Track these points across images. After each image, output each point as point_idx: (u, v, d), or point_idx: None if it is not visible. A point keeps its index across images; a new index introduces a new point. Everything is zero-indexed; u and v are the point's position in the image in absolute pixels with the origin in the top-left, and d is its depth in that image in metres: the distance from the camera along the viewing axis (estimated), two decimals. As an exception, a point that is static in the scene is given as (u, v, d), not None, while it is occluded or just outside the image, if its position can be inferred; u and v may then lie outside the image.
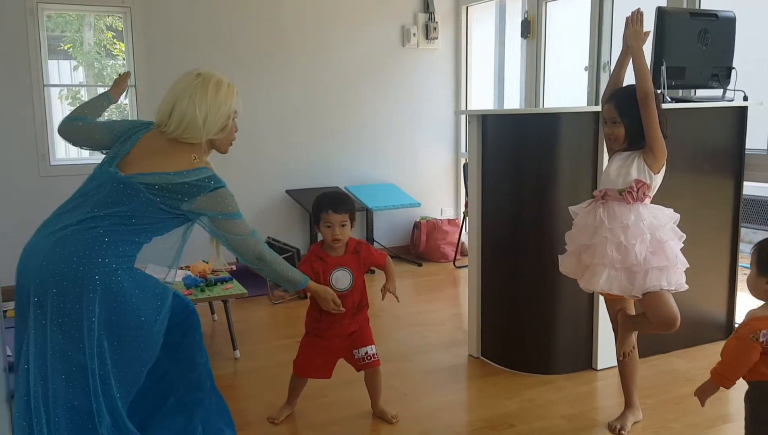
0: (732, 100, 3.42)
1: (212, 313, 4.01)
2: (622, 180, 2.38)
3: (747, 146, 3.46)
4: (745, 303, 4.35)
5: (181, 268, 3.72)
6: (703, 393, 1.94)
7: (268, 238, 4.88)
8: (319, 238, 2.68)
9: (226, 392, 3.02)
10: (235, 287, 3.46)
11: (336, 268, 2.59)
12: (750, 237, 6.00)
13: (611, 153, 2.53)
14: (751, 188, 3.60)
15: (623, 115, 2.38)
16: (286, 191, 5.32)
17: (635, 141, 2.40)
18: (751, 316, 1.87)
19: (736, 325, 3.53)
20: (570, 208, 2.57)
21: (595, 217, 2.40)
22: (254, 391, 3.04)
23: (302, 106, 5.34)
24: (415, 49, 5.68)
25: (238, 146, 5.10)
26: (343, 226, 2.58)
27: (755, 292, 1.90)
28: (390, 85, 5.63)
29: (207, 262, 3.73)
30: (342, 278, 2.59)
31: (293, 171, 5.36)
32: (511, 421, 2.65)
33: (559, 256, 2.66)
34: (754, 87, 3.47)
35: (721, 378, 1.89)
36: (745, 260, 6.07)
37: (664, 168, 2.40)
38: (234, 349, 3.41)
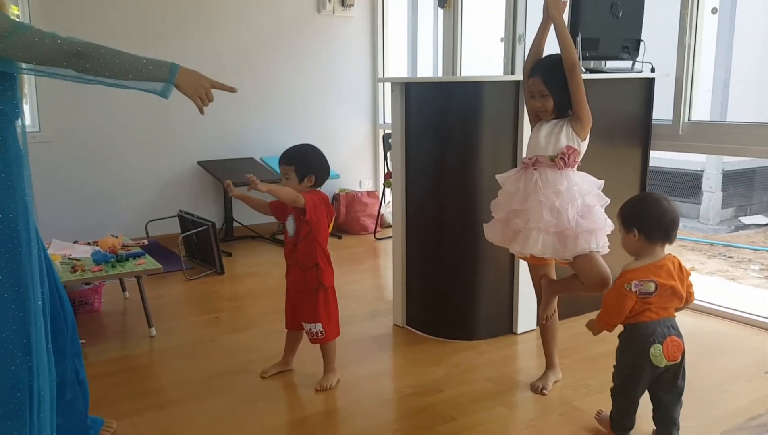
0: (641, 72, 3.55)
1: (123, 290, 3.81)
2: (552, 147, 2.42)
3: (654, 116, 3.62)
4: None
5: (89, 244, 3.50)
6: (592, 329, 2.23)
7: (180, 211, 4.68)
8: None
9: (143, 371, 2.92)
10: (149, 262, 3.29)
11: (290, 213, 2.63)
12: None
13: (534, 122, 2.56)
14: (653, 160, 3.77)
15: (551, 87, 2.41)
16: (198, 162, 5.11)
17: (563, 110, 2.44)
18: (625, 270, 2.13)
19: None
20: (497, 176, 2.59)
21: (527, 182, 2.43)
22: (173, 369, 2.92)
23: (213, 74, 5.06)
24: (331, 16, 5.55)
25: (145, 115, 4.94)
26: (287, 178, 2.59)
27: (627, 248, 2.18)
28: (305, 53, 5.49)
29: (116, 237, 3.52)
30: (288, 225, 2.65)
31: (206, 141, 5.15)
32: (439, 387, 2.68)
33: (484, 224, 2.68)
34: (661, 59, 3.63)
35: (603, 323, 2.18)
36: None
37: (588, 135, 2.46)
38: (149, 327, 3.26)
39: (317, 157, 2.67)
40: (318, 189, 2.67)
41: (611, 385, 2.67)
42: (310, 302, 2.63)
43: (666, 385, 2.14)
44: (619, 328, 2.20)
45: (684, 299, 2.15)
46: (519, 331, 3.22)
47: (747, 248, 6.29)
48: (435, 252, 3.22)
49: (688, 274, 2.17)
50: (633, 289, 2.07)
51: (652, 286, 2.07)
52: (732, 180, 7.59)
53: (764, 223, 7.32)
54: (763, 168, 7.81)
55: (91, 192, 4.74)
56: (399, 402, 2.60)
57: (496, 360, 2.96)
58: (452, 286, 3.19)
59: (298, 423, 2.45)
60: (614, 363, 2.21)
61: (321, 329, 2.63)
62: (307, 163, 2.61)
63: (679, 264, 2.17)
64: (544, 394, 2.61)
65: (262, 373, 2.79)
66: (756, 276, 5.34)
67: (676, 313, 2.17)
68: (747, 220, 7.43)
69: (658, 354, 2.07)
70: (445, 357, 2.97)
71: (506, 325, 3.24)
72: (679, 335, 2.12)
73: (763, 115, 7.37)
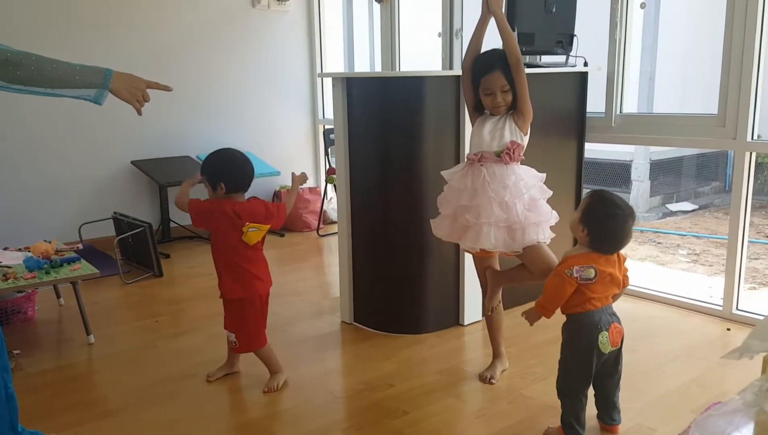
0: (575, 66, 3.66)
1: (58, 297, 3.66)
2: (497, 142, 2.45)
3: (587, 110, 3.73)
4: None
5: (20, 250, 3.34)
6: (530, 317, 2.24)
7: (115, 213, 4.53)
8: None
9: (83, 381, 2.81)
10: (85, 267, 3.16)
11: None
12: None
13: (474, 117, 2.58)
14: (586, 151, 3.89)
15: (511, 81, 2.42)
16: (132, 162, 4.95)
17: (515, 105, 2.47)
18: (567, 255, 2.16)
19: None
20: (443, 172, 2.61)
21: (475, 178, 2.45)
22: (115, 377, 2.82)
23: (144, 70, 4.92)
24: (266, 10, 5.47)
25: (76, 114, 4.74)
26: (206, 187, 2.59)
27: (573, 231, 2.19)
28: (241, 49, 5.39)
29: (49, 242, 3.37)
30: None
31: (139, 140, 4.99)
32: (390, 381, 2.69)
33: (431, 220, 2.70)
34: (593, 53, 3.74)
35: (542, 308, 2.18)
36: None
37: (530, 129, 2.50)
38: (87, 334, 3.13)
39: (227, 162, 2.53)
40: (235, 195, 2.54)
41: (556, 372, 2.76)
42: (225, 310, 2.62)
43: (607, 370, 2.19)
44: (560, 317, 2.21)
45: (621, 285, 2.20)
46: (466, 323, 3.26)
47: (674, 234, 6.59)
48: (381, 247, 3.23)
49: (624, 260, 2.22)
50: (574, 275, 2.09)
51: (592, 272, 2.09)
52: (659, 169, 7.93)
53: (690, 209, 7.69)
54: (689, 157, 8.20)
55: (19, 196, 4.52)
56: (350, 399, 2.59)
57: (444, 352, 2.99)
58: (399, 281, 3.21)
59: (248, 426, 2.41)
60: (560, 359, 2.21)
61: (234, 339, 2.60)
62: (214, 171, 2.52)
63: (619, 253, 2.21)
64: (492, 384, 2.66)
65: (208, 376, 2.73)
66: (684, 260, 5.59)
67: (614, 301, 2.22)
68: (674, 207, 7.78)
69: (605, 341, 2.11)
70: (395, 351, 2.99)
71: (453, 317, 3.28)
72: (619, 321, 2.18)
73: (687, 106, 7.72)
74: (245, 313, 2.56)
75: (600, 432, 2.28)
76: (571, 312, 2.16)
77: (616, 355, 2.19)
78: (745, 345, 1.02)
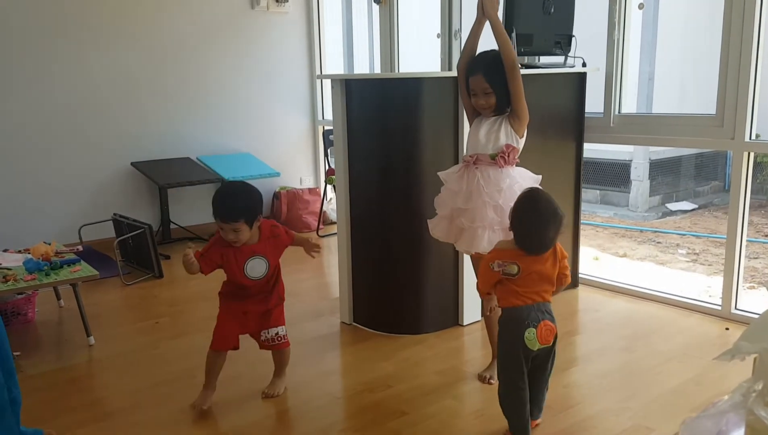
0: (573, 67, 3.67)
1: (58, 298, 3.67)
2: (492, 145, 2.46)
3: (586, 110, 3.74)
4: (587, 255, 4.76)
5: (20, 252, 3.35)
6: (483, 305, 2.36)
7: (115, 214, 4.53)
8: None
9: (83, 382, 2.82)
10: (84, 269, 3.17)
11: (251, 256, 2.41)
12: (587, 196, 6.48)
13: (472, 118, 2.60)
14: (585, 151, 3.90)
15: (493, 84, 2.44)
16: (132, 164, 4.96)
17: (503, 107, 2.48)
18: (496, 247, 2.21)
19: (581, 277, 3.87)
20: (439, 173, 2.62)
21: (470, 181, 2.46)
22: (113, 379, 2.83)
23: (146, 72, 4.98)
24: (265, 12, 5.48)
25: (76, 115, 4.75)
26: (236, 231, 2.34)
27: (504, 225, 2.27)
28: (241, 50, 5.40)
29: (49, 244, 3.38)
30: (257, 266, 2.43)
31: (139, 142, 5.00)
32: (389, 382, 2.69)
33: (428, 220, 2.70)
34: (591, 54, 3.75)
35: (478, 289, 2.28)
36: (586, 217, 6.63)
37: (526, 131, 2.51)
38: (87, 336, 3.14)
39: (254, 193, 2.43)
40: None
41: (554, 371, 2.76)
42: (278, 307, 2.60)
43: (537, 369, 2.17)
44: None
45: (555, 283, 2.17)
46: (465, 323, 3.27)
47: (674, 233, 6.59)
48: (380, 248, 3.24)
49: (564, 257, 2.18)
50: (496, 269, 2.12)
51: (515, 269, 2.09)
52: (659, 169, 7.94)
53: (690, 208, 7.69)
54: (687, 157, 8.20)
55: (19, 198, 4.53)
56: (349, 400, 2.60)
57: (443, 352, 3.00)
58: (398, 281, 3.21)
59: (248, 427, 2.41)
60: (497, 353, 2.25)
61: (285, 332, 2.60)
62: (254, 208, 2.39)
63: (555, 247, 2.16)
64: (491, 384, 2.66)
65: (198, 405, 2.48)
66: (683, 260, 5.60)
67: (552, 295, 2.19)
68: (673, 206, 7.78)
69: (532, 338, 2.08)
70: (394, 352, 3.00)
71: (452, 317, 3.29)
72: (553, 320, 2.14)
73: (685, 106, 7.73)
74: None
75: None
76: (502, 305, 2.18)
77: (547, 353, 2.15)
78: (736, 347, 1.02)
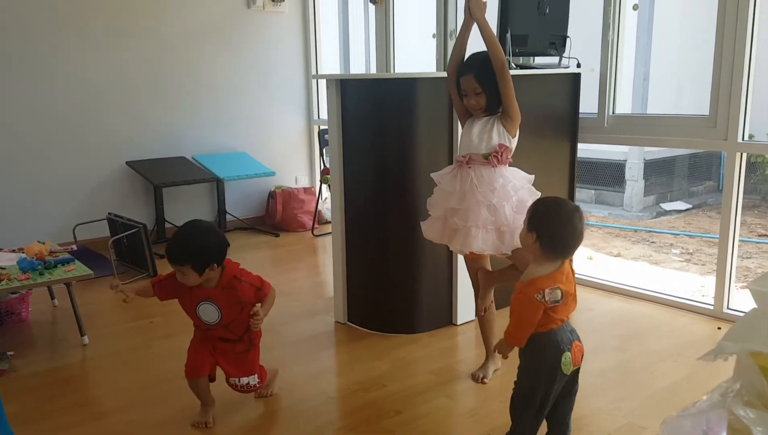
0: (567, 67, 3.68)
1: (52, 298, 3.66)
2: (484, 145, 2.47)
3: (580, 110, 3.75)
4: (581, 255, 4.77)
5: (14, 251, 3.35)
6: (502, 351, 2.04)
7: (109, 213, 4.53)
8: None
9: (77, 382, 2.82)
10: (79, 268, 3.16)
11: (204, 299, 2.30)
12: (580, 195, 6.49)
13: (464, 119, 2.61)
14: (579, 151, 3.91)
15: (483, 84, 2.45)
16: (127, 163, 4.95)
17: (494, 108, 2.49)
18: (533, 277, 1.92)
19: (576, 276, 3.88)
20: (432, 174, 2.63)
21: (463, 181, 2.47)
22: (108, 378, 2.83)
23: (141, 71, 4.97)
24: (261, 11, 5.48)
25: (70, 114, 4.74)
26: (183, 274, 2.22)
27: (522, 242, 2.02)
28: (236, 49, 5.40)
29: (43, 243, 3.38)
30: (208, 312, 2.32)
31: (134, 141, 5.00)
32: (383, 382, 2.70)
33: (421, 222, 2.71)
34: (586, 54, 3.76)
35: (515, 339, 1.97)
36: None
37: (518, 131, 2.52)
38: (81, 335, 3.14)
39: (213, 239, 2.27)
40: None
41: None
42: (248, 356, 2.44)
43: (565, 391, 2.00)
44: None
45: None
46: (459, 323, 3.28)
47: (668, 233, 6.62)
48: (375, 247, 3.24)
49: (574, 274, 2.03)
50: (546, 298, 1.88)
51: (559, 294, 1.90)
52: (653, 169, 7.96)
53: (684, 208, 7.72)
54: (682, 157, 8.23)
55: (13, 197, 4.52)
56: (344, 399, 2.61)
57: (437, 352, 3.01)
58: (393, 281, 3.22)
59: (242, 426, 2.42)
60: (516, 386, 2.02)
61: (257, 381, 2.46)
62: (207, 253, 2.24)
63: (570, 264, 2.02)
64: (484, 383, 2.68)
65: (200, 423, 2.41)
66: (677, 259, 5.62)
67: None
68: (667, 206, 7.81)
69: (568, 362, 1.94)
70: (388, 351, 3.00)
71: (446, 317, 3.29)
72: (579, 338, 2.00)
73: (680, 107, 7.76)
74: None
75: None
76: (534, 332, 1.95)
77: (575, 374, 2.01)
78: (719, 346, 1.03)
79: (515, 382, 2.03)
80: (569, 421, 2.06)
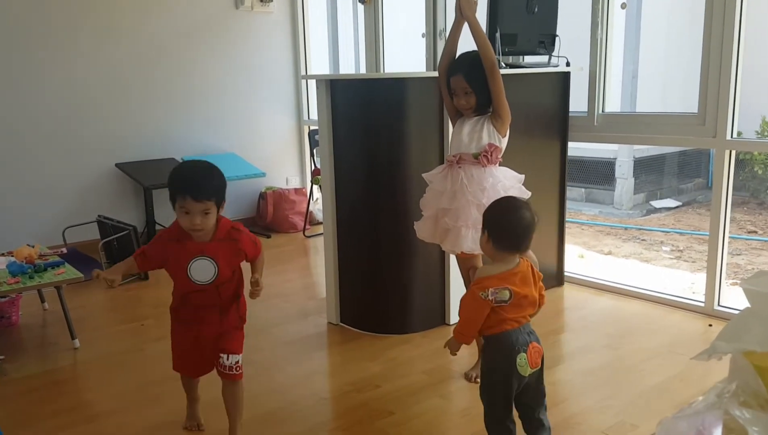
0: (557, 66, 3.69)
1: (42, 301, 3.64)
2: (474, 144, 2.48)
3: (570, 109, 3.76)
4: (572, 253, 4.79)
5: (3, 255, 3.32)
6: (451, 348, 2.06)
7: (99, 216, 4.50)
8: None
9: (68, 385, 2.80)
10: (69, 272, 3.14)
11: (198, 255, 2.06)
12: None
13: (455, 119, 2.62)
14: (569, 149, 3.93)
15: (473, 84, 2.46)
16: (116, 165, 4.92)
17: (484, 107, 2.50)
18: (480, 276, 1.97)
19: (566, 274, 3.90)
20: (424, 175, 2.63)
21: (454, 181, 2.48)
22: (99, 382, 2.82)
23: (130, 73, 4.95)
24: (249, 12, 5.46)
25: (59, 117, 4.70)
26: (207, 214, 2.00)
27: (482, 247, 2.03)
28: (225, 50, 5.38)
29: (32, 246, 3.35)
30: (203, 269, 2.07)
31: (123, 143, 4.97)
32: (376, 382, 2.70)
33: (415, 222, 2.71)
34: (575, 53, 3.78)
35: (461, 336, 2.00)
36: (571, 215, 6.67)
37: (509, 131, 2.53)
38: (72, 338, 3.12)
39: (223, 176, 2.12)
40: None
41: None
42: (236, 330, 2.24)
43: (530, 392, 2.01)
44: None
45: (537, 305, 2.03)
46: (451, 322, 3.29)
47: (658, 231, 6.65)
48: (367, 248, 3.24)
49: (540, 278, 2.05)
50: (489, 297, 1.91)
51: (506, 294, 1.92)
52: (643, 167, 8.00)
53: (674, 206, 7.76)
54: (671, 154, 8.28)
55: (2, 199, 4.48)
56: (337, 400, 2.61)
57: (430, 352, 3.01)
58: (385, 282, 3.22)
59: (236, 428, 2.41)
60: (480, 386, 2.05)
61: (240, 362, 2.22)
62: (224, 191, 2.08)
63: (532, 268, 2.03)
64: (477, 383, 2.67)
65: (192, 426, 2.39)
66: (667, 257, 5.65)
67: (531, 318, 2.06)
68: (657, 204, 7.85)
69: (523, 363, 1.93)
70: (381, 352, 3.00)
71: (439, 317, 3.30)
72: (538, 340, 2.00)
73: (669, 105, 7.80)
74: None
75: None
76: (488, 334, 1.98)
77: (538, 376, 2.01)
78: (713, 346, 1.04)
79: (480, 386, 2.05)
80: (542, 417, 2.06)
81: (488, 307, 1.92)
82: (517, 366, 1.92)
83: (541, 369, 2.01)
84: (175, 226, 2.11)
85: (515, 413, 2.03)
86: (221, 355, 2.17)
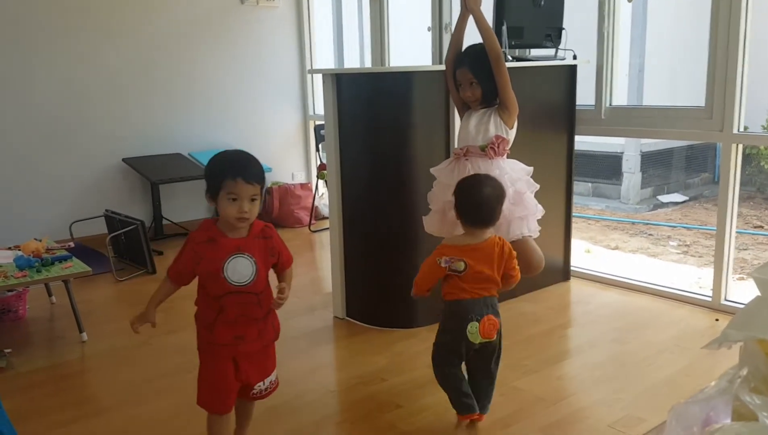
0: (564, 59, 3.67)
1: (50, 295, 3.65)
2: (481, 137, 2.48)
3: (577, 102, 3.75)
4: (579, 248, 4.78)
5: (10, 248, 3.34)
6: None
7: (107, 210, 4.52)
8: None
9: (76, 379, 2.82)
10: (77, 265, 3.16)
11: (233, 253, 1.87)
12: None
13: (462, 112, 2.62)
14: (576, 144, 3.91)
15: (478, 76, 2.46)
16: (124, 160, 4.94)
17: (490, 99, 2.50)
18: (442, 244, 2.20)
19: (572, 269, 3.89)
20: (431, 169, 2.63)
21: (461, 173, 2.47)
22: (107, 375, 2.83)
23: (137, 67, 4.95)
24: (255, 6, 5.46)
25: (66, 112, 4.72)
26: (254, 200, 1.85)
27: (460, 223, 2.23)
28: (231, 45, 5.38)
29: (40, 240, 3.37)
30: (241, 267, 1.87)
31: (130, 138, 4.98)
32: (382, 376, 2.70)
33: (423, 217, 2.71)
34: (582, 46, 3.76)
35: (416, 286, 2.24)
36: (578, 210, 6.66)
37: (516, 123, 2.52)
38: (80, 332, 3.14)
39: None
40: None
41: (545, 362, 2.78)
42: (271, 345, 2.08)
43: (482, 363, 2.20)
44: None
45: (499, 284, 2.18)
46: (457, 316, 3.28)
47: (665, 226, 6.63)
48: (373, 242, 3.24)
49: (513, 257, 2.18)
50: (443, 265, 2.13)
51: (461, 265, 2.12)
52: (650, 161, 7.97)
53: (681, 200, 7.73)
54: (679, 148, 8.24)
55: (9, 194, 4.50)
56: (343, 393, 2.61)
57: (436, 346, 3.01)
58: (391, 276, 3.22)
59: (243, 421, 2.41)
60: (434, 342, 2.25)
61: (276, 377, 2.10)
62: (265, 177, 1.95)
63: (503, 247, 2.17)
64: (484, 378, 2.68)
65: None
66: (674, 252, 5.64)
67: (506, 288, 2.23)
68: (665, 198, 7.82)
69: (474, 331, 2.11)
70: (388, 346, 3.01)
71: (444, 311, 3.29)
72: (497, 314, 2.16)
73: (676, 98, 7.76)
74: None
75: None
76: (447, 299, 2.19)
77: (491, 350, 2.18)
78: (723, 335, 1.04)
79: (433, 344, 2.27)
80: (489, 392, 2.26)
81: (442, 273, 2.15)
82: (467, 332, 2.11)
83: (496, 345, 2.19)
84: (204, 226, 1.93)
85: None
86: (256, 384, 1.99)
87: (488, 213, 2.14)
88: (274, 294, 1.95)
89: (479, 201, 2.13)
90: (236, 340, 1.93)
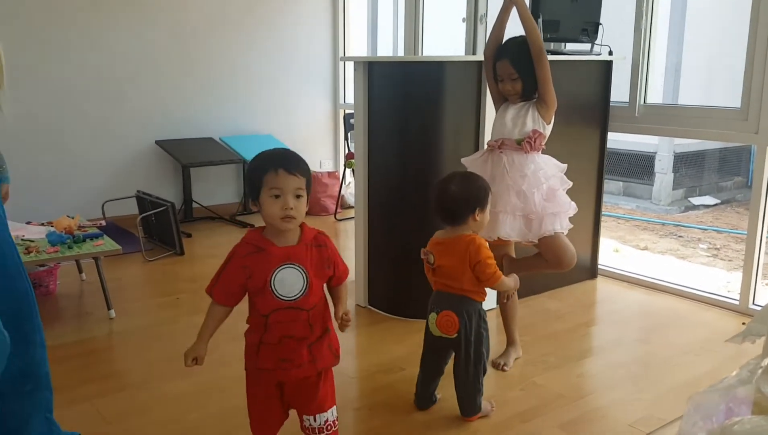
0: (599, 54, 3.62)
1: (80, 271, 3.73)
2: (518, 130, 2.46)
3: (611, 99, 3.70)
4: (607, 247, 4.73)
5: (43, 224, 3.42)
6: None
7: (138, 191, 4.59)
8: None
9: (103, 354, 2.88)
10: (107, 243, 3.22)
11: (282, 263, 1.66)
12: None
13: (499, 104, 2.59)
14: (609, 142, 3.86)
15: (519, 69, 2.44)
16: (156, 142, 5.01)
17: (530, 93, 2.47)
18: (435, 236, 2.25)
19: (600, 268, 3.85)
20: (463, 160, 2.62)
21: (495, 165, 2.46)
22: (134, 352, 2.89)
23: (169, 51, 5.01)
24: (291, -7, 5.48)
25: (102, 92, 4.79)
26: (299, 196, 1.65)
27: None
28: (264, 31, 5.41)
29: (72, 218, 3.44)
30: (290, 280, 1.66)
31: (163, 121, 5.05)
32: (401, 365, 2.71)
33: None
34: (618, 42, 3.70)
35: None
36: (608, 209, 6.57)
37: (553, 118, 2.50)
38: (108, 309, 3.20)
39: None
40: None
41: (567, 360, 2.77)
42: (328, 376, 1.83)
43: (435, 357, 2.27)
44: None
45: (472, 283, 2.14)
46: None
47: (696, 228, 6.52)
48: (397, 233, 3.24)
49: (477, 262, 2.11)
50: (422, 256, 2.23)
51: (431, 258, 2.21)
52: (683, 162, 7.84)
53: (713, 203, 7.59)
54: (712, 150, 8.09)
55: (45, 172, 4.60)
56: (363, 380, 2.63)
57: (457, 338, 3.01)
58: (413, 267, 3.21)
59: (263, 403, 2.45)
60: None
61: (336, 416, 1.84)
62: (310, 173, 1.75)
63: (468, 247, 2.12)
64: (505, 371, 2.67)
65: None
66: (704, 254, 5.54)
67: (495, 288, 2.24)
68: (696, 200, 7.69)
69: (432, 322, 2.20)
70: (408, 336, 3.01)
71: (467, 303, 3.29)
72: (461, 315, 2.14)
73: (712, 98, 7.61)
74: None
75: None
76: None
77: (454, 347, 2.20)
78: (748, 328, 1.03)
79: None
80: (459, 398, 2.26)
81: (425, 263, 2.23)
82: (428, 321, 2.22)
83: (459, 347, 2.17)
84: (248, 237, 1.74)
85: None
86: (304, 416, 1.79)
87: (450, 212, 2.15)
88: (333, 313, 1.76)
89: (442, 198, 2.15)
90: (281, 363, 1.71)
